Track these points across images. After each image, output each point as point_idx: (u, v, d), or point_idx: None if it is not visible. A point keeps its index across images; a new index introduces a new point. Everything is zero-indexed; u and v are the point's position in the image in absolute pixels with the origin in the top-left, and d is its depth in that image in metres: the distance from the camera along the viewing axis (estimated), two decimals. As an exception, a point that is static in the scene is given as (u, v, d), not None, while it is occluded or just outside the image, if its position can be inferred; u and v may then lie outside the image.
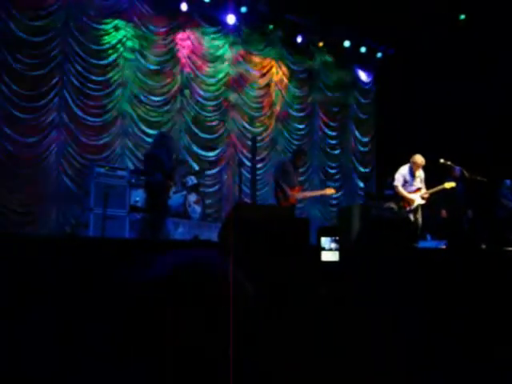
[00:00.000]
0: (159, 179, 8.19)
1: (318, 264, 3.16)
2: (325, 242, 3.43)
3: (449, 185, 9.55)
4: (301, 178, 12.11)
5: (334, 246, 3.37)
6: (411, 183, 9.58)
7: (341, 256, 3.07)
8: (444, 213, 10.71)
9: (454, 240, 8.98)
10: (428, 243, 9.72)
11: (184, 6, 11.63)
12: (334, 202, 13.92)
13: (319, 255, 3.22)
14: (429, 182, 9.70)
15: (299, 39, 13.36)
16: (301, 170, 11.50)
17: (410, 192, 9.53)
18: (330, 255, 3.31)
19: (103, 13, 10.77)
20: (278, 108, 13.36)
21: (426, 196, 9.56)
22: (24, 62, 9.76)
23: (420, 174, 9.65)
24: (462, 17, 12.10)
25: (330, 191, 10.85)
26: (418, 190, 9.56)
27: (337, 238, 3.29)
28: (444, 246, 8.44)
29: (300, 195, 9.69)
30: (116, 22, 10.95)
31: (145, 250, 5.24)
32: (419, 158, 9.56)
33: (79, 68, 10.43)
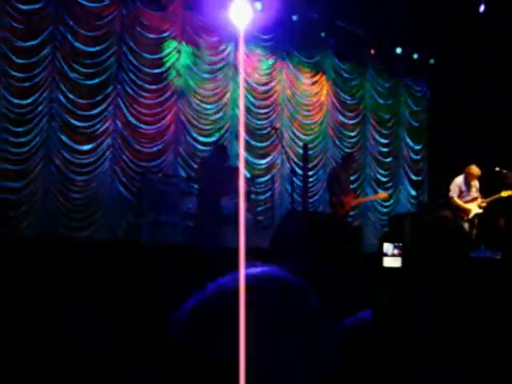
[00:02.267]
0: (211, 187, 8.26)
1: (380, 270, 3.12)
2: (387, 247, 3.38)
3: (506, 193, 9.38)
4: (352, 186, 12.02)
5: (396, 252, 3.32)
6: (467, 193, 9.45)
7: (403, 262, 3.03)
8: (502, 221, 10.47)
9: (507, 249, 8.77)
10: (481, 253, 9.53)
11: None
12: (385, 210, 13.76)
13: (381, 261, 3.18)
14: (484, 191, 9.54)
15: (351, 46, 13.28)
16: (352, 177, 11.41)
17: (466, 202, 9.39)
18: (392, 261, 3.25)
19: (157, 23, 10.93)
20: (329, 115, 13.30)
21: (484, 205, 9.40)
22: (80, 71, 9.97)
23: (475, 184, 9.52)
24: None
25: (383, 195, 10.80)
26: (475, 199, 9.41)
27: (399, 244, 3.24)
28: (499, 257, 8.26)
29: (355, 201, 9.64)
30: (170, 31, 11.08)
31: (198, 256, 5.29)
32: (475, 169, 9.45)
33: (133, 77, 10.60)
